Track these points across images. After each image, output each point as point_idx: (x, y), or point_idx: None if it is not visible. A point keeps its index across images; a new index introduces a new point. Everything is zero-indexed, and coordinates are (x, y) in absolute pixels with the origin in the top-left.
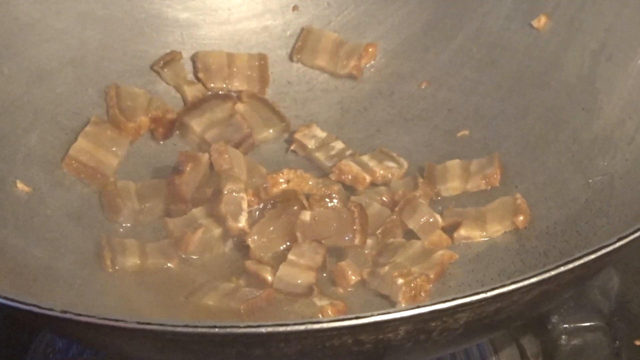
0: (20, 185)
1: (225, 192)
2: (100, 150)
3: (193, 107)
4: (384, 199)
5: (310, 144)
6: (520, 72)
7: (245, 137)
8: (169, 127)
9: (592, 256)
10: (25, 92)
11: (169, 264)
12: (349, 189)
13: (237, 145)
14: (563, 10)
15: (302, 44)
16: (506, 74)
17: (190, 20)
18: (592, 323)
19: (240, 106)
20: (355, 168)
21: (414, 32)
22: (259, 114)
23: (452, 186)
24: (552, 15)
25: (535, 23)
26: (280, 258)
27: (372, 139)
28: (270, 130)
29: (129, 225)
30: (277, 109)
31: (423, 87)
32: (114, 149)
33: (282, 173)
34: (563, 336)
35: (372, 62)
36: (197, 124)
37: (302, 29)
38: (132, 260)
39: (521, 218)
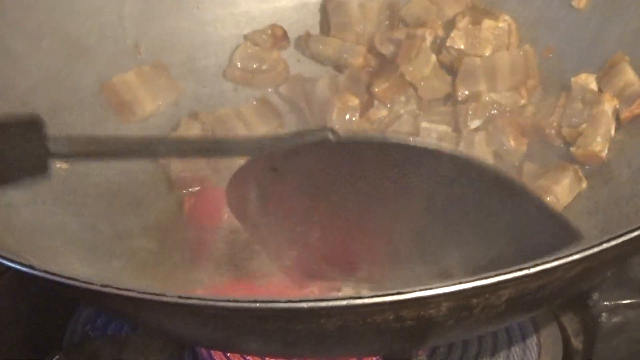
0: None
1: None
2: (142, 90)
3: None
4: None
5: None
6: (560, 50)
7: None
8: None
9: (637, 232)
10: (63, 67)
11: None
12: None
13: None
14: None
15: None
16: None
17: None
18: (633, 300)
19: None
20: None
21: None
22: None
23: None
24: None
25: (575, 3)
26: None
27: None
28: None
29: None
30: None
31: None
32: (158, 96)
33: None
34: (604, 314)
35: None
36: None
37: None
38: None
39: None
